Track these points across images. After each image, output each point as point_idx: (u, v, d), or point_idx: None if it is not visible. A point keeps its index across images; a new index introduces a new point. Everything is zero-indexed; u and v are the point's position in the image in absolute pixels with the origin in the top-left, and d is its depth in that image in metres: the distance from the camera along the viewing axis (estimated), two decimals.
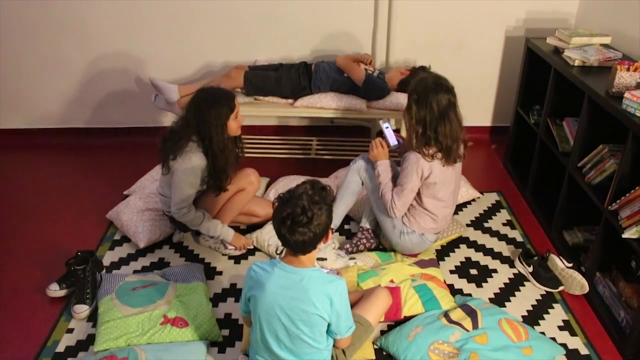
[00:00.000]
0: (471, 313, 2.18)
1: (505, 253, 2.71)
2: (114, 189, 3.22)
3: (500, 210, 3.07)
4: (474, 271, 2.59)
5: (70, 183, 3.32)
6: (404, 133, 2.93)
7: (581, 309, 2.37)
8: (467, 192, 3.09)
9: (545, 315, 2.33)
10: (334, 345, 1.91)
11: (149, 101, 3.41)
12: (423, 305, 2.25)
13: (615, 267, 2.36)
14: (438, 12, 3.47)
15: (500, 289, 2.48)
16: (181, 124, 2.40)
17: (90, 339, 2.17)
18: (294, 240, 1.67)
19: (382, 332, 2.22)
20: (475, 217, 2.99)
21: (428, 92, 2.27)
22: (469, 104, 3.63)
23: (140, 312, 2.17)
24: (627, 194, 2.10)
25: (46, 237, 2.83)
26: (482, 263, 2.64)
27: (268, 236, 2.64)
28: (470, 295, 2.43)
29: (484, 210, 3.06)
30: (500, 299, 2.42)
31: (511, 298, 2.42)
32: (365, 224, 2.70)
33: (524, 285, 2.50)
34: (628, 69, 2.26)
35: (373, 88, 3.17)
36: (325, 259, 2.48)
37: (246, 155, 2.63)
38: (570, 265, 2.46)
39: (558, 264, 2.47)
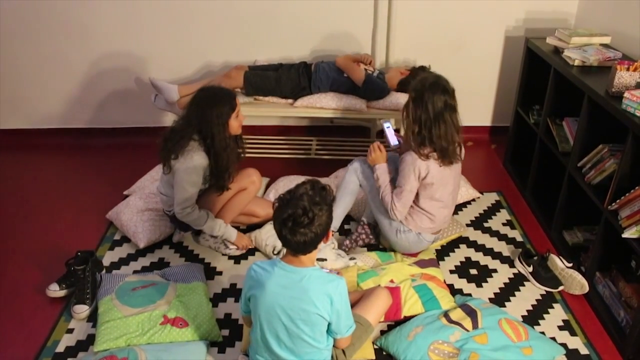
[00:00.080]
0: (471, 313, 2.18)
1: (505, 253, 2.72)
2: (114, 189, 3.22)
3: (500, 210, 3.07)
4: (473, 271, 2.59)
5: (70, 183, 3.33)
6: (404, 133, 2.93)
7: (581, 309, 2.37)
8: (467, 192, 3.09)
9: (545, 315, 2.33)
10: (334, 345, 1.91)
11: (149, 101, 3.41)
12: (423, 305, 2.25)
13: (615, 267, 2.36)
14: (438, 12, 3.47)
15: (500, 288, 2.48)
16: (182, 124, 2.40)
17: (90, 339, 2.17)
18: (296, 241, 1.67)
19: (382, 332, 2.22)
20: (475, 217, 2.99)
21: (425, 91, 2.27)
22: (469, 104, 3.64)
23: (140, 312, 2.17)
24: (627, 194, 2.10)
25: (46, 237, 2.83)
26: (482, 263, 2.64)
27: (266, 236, 2.64)
28: (470, 295, 2.43)
29: (484, 210, 3.06)
30: (500, 298, 2.42)
31: (511, 298, 2.42)
32: (365, 219, 2.71)
33: (523, 285, 2.50)
34: (628, 69, 2.26)
35: (373, 88, 3.17)
36: (325, 260, 2.48)
37: (246, 155, 2.63)
38: (570, 265, 2.46)
39: (558, 263, 2.48)
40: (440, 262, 2.63)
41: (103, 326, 2.12)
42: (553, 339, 2.21)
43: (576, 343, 2.20)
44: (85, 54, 3.58)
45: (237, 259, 2.66)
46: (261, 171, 2.76)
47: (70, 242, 2.78)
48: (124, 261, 2.64)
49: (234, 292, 2.45)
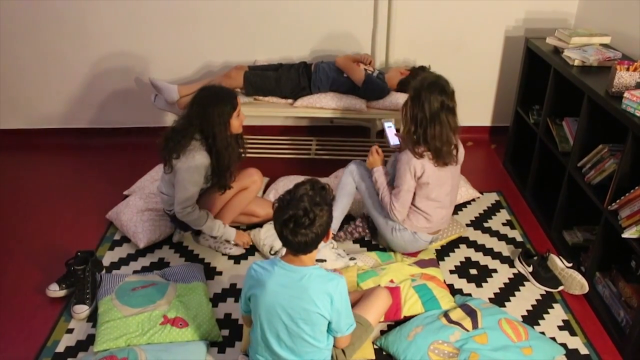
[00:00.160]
0: (471, 313, 2.19)
1: (505, 253, 2.72)
2: (114, 189, 3.22)
3: (500, 210, 3.07)
4: (473, 271, 2.59)
5: (70, 183, 3.33)
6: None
7: (581, 309, 2.38)
8: (467, 192, 3.09)
9: (545, 315, 2.33)
10: (333, 345, 1.91)
11: (149, 101, 3.41)
12: (423, 305, 2.25)
13: (615, 267, 2.36)
14: (438, 12, 3.47)
15: (500, 288, 2.48)
16: (184, 123, 2.40)
17: (90, 339, 2.17)
18: (297, 241, 1.67)
19: (382, 332, 2.22)
20: (475, 217, 2.99)
21: (422, 90, 2.27)
22: (468, 104, 3.64)
23: (140, 312, 2.17)
24: (627, 194, 2.10)
25: (46, 237, 2.83)
26: (482, 263, 2.64)
27: (265, 236, 2.64)
28: (470, 295, 2.43)
29: (484, 210, 3.06)
30: (500, 298, 2.42)
31: (511, 298, 2.42)
32: (365, 213, 2.73)
33: (523, 285, 2.50)
34: (628, 69, 2.26)
35: (373, 88, 3.17)
36: (325, 260, 2.48)
37: (246, 156, 2.63)
38: (570, 265, 2.46)
39: (558, 263, 2.48)
40: (440, 262, 2.63)
41: (103, 326, 2.12)
42: (553, 339, 2.21)
43: (576, 343, 2.20)
44: (85, 54, 3.58)
45: (237, 259, 2.66)
46: (261, 171, 2.76)
47: (70, 242, 2.78)
48: (124, 261, 2.64)
49: (234, 292, 2.45)
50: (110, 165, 3.52)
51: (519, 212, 3.06)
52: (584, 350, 2.16)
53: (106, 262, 2.63)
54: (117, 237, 2.81)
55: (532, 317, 2.32)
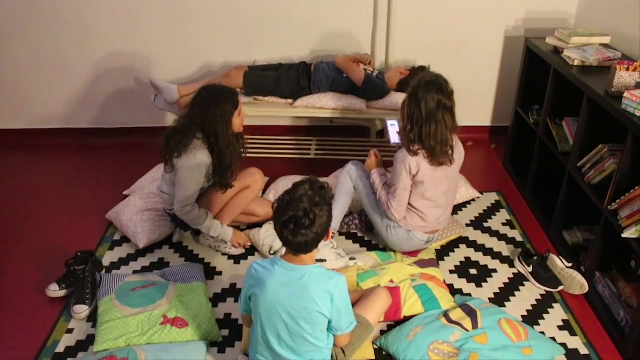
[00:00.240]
0: (471, 313, 2.19)
1: (505, 253, 2.72)
2: (114, 189, 3.22)
3: (500, 210, 3.07)
4: (473, 271, 2.59)
5: (70, 183, 3.33)
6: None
7: (581, 309, 2.37)
8: (466, 192, 3.09)
9: (545, 315, 2.33)
10: (334, 344, 1.91)
11: (149, 101, 3.40)
12: (423, 305, 2.25)
13: (615, 266, 2.36)
14: (438, 12, 3.47)
15: (500, 288, 2.48)
16: (185, 122, 2.41)
17: (90, 339, 2.17)
18: (297, 242, 1.67)
19: (382, 332, 2.22)
20: (475, 217, 2.99)
21: (420, 89, 2.27)
22: (468, 104, 3.64)
23: (140, 313, 2.17)
24: (627, 194, 2.10)
25: (46, 237, 2.83)
26: (481, 263, 2.64)
27: (264, 236, 2.64)
28: (470, 295, 2.43)
29: (484, 210, 3.06)
30: (500, 298, 2.42)
31: (511, 298, 2.42)
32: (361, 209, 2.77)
33: (523, 285, 2.50)
34: (627, 69, 2.26)
35: (372, 88, 3.17)
36: (325, 260, 2.48)
37: (247, 154, 2.63)
38: (570, 265, 2.46)
39: (558, 263, 2.48)
40: (440, 262, 2.63)
41: (103, 326, 2.12)
42: (553, 339, 2.21)
43: (576, 343, 2.20)
44: (85, 54, 3.58)
45: (237, 259, 2.66)
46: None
47: (70, 242, 2.78)
48: (123, 261, 2.64)
49: (233, 292, 2.45)
50: (110, 165, 3.52)
51: (519, 212, 3.06)
52: (583, 350, 2.16)
53: (106, 262, 2.63)
54: (117, 237, 2.81)
55: (532, 317, 2.32)
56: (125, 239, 2.78)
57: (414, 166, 2.33)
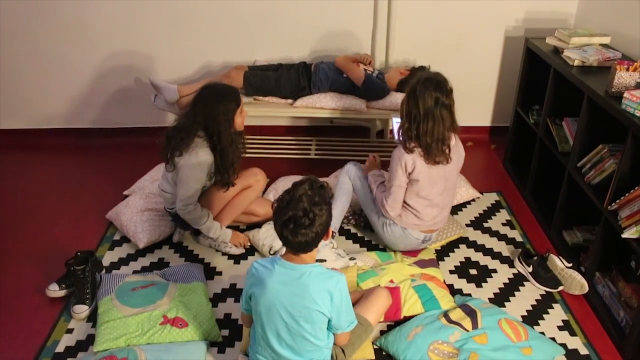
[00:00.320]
0: (471, 313, 2.18)
1: (505, 253, 2.71)
2: (114, 189, 3.22)
3: (500, 210, 3.07)
4: (473, 271, 2.59)
5: (70, 183, 3.33)
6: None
7: (581, 309, 2.37)
8: (467, 192, 3.09)
9: (544, 315, 2.33)
10: (334, 343, 1.91)
11: (149, 101, 3.41)
12: (423, 305, 2.25)
13: (615, 267, 2.36)
14: (438, 12, 3.47)
15: (499, 289, 2.48)
16: (186, 121, 2.41)
17: (90, 339, 2.17)
18: (297, 241, 1.68)
19: (382, 332, 2.22)
20: (475, 217, 2.99)
21: (417, 86, 2.28)
22: (468, 104, 3.64)
23: (140, 312, 2.17)
24: (627, 194, 2.10)
25: (46, 237, 2.83)
26: (481, 263, 2.64)
27: (264, 237, 2.65)
28: (469, 295, 2.43)
29: (484, 210, 3.06)
30: (500, 299, 2.42)
31: (511, 298, 2.42)
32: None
33: (523, 285, 2.50)
34: (627, 69, 2.26)
35: (372, 88, 3.17)
36: (325, 260, 2.48)
37: (246, 155, 2.64)
38: (570, 265, 2.46)
39: (558, 264, 2.48)
40: (440, 262, 2.63)
41: (103, 326, 2.12)
42: (553, 339, 2.21)
43: (576, 343, 2.20)
44: (85, 55, 3.58)
45: (236, 259, 2.66)
46: None
47: (70, 242, 2.78)
48: (123, 261, 2.64)
49: (233, 292, 2.45)
50: (110, 165, 3.52)
51: (518, 212, 3.06)
52: (583, 351, 2.16)
53: (106, 262, 2.63)
54: (117, 237, 2.81)
55: (532, 317, 2.32)
56: (125, 239, 2.78)
57: (409, 164, 2.33)
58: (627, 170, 2.14)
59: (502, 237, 2.83)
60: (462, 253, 2.71)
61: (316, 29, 3.53)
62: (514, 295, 2.44)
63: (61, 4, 3.40)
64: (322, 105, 3.22)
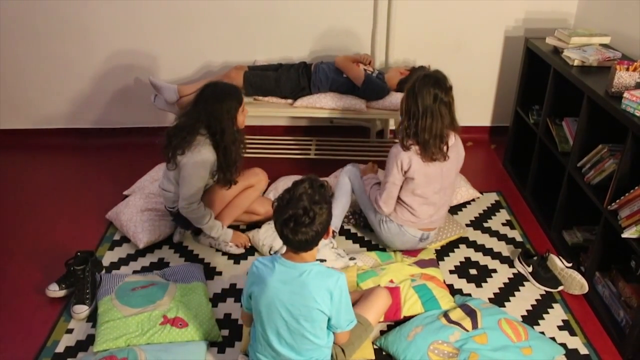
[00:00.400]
0: (471, 313, 2.19)
1: (505, 253, 2.72)
2: (114, 189, 3.22)
3: (500, 210, 3.07)
4: (473, 271, 2.59)
5: (70, 183, 3.33)
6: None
7: (581, 309, 2.37)
8: (466, 192, 3.09)
9: (544, 315, 2.33)
10: (334, 342, 1.91)
11: (149, 101, 3.41)
12: (423, 305, 2.25)
13: (615, 267, 2.36)
14: (437, 12, 3.47)
15: (499, 289, 2.48)
16: (187, 120, 2.41)
17: (90, 339, 2.17)
18: (297, 240, 1.68)
19: (382, 332, 2.22)
20: (475, 217, 2.99)
21: (416, 83, 2.28)
22: (468, 104, 3.64)
23: (140, 312, 2.17)
24: (627, 194, 2.11)
25: (46, 237, 2.83)
26: (481, 263, 2.64)
27: (264, 236, 2.65)
28: (469, 295, 2.43)
29: (484, 210, 3.06)
30: (500, 299, 2.42)
31: (511, 298, 2.42)
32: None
33: (523, 285, 2.50)
34: (627, 69, 2.26)
35: (372, 88, 3.17)
36: (325, 260, 2.48)
37: (246, 155, 2.64)
38: (570, 265, 2.46)
39: (557, 263, 2.48)
40: (440, 262, 2.63)
41: (103, 326, 2.12)
42: (553, 339, 2.21)
43: (576, 343, 2.20)
44: (85, 55, 3.58)
45: (236, 259, 2.66)
46: None
47: (70, 242, 2.78)
48: (123, 261, 2.64)
49: (233, 292, 2.45)
50: (110, 165, 3.52)
51: (518, 212, 3.06)
52: (583, 350, 2.16)
53: (106, 262, 2.63)
54: (117, 237, 2.81)
55: (532, 317, 2.32)
56: (125, 239, 2.78)
57: (405, 162, 2.33)
58: (627, 170, 2.14)
59: (502, 237, 2.83)
60: (462, 253, 2.71)
61: (316, 29, 3.53)
62: (514, 295, 2.44)
63: (62, 4, 3.40)
64: (322, 105, 3.22)
